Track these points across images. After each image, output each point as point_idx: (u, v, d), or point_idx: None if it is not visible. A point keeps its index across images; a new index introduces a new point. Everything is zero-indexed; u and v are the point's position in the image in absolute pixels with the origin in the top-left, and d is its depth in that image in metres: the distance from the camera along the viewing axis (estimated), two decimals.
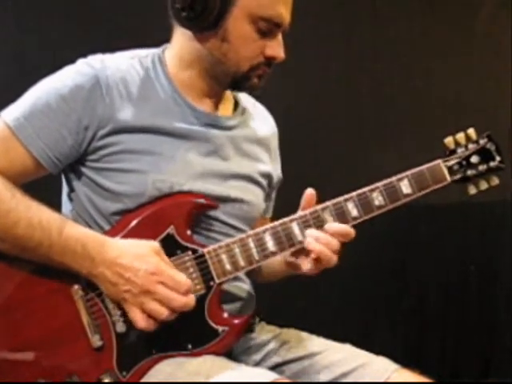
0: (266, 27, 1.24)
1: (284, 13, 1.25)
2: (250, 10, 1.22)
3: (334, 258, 1.22)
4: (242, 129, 1.38)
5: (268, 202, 1.49)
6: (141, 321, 1.16)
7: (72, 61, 1.27)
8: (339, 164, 2.40)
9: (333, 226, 1.23)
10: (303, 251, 1.24)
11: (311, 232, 1.23)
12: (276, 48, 1.27)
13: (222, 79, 1.30)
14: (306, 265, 1.23)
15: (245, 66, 1.27)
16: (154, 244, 1.18)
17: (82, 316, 1.19)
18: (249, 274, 1.36)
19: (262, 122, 1.45)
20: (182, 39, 1.30)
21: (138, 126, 1.24)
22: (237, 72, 1.27)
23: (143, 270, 1.14)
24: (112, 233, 1.22)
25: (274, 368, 1.33)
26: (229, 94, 1.40)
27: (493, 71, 2.47)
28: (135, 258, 1.15)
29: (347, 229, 1.23)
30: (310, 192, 1.26)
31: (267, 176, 1.42)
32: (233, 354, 1.32)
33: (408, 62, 2.46)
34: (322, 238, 1.21)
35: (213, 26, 1.23)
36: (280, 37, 1.28)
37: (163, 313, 1.15)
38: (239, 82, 1.30)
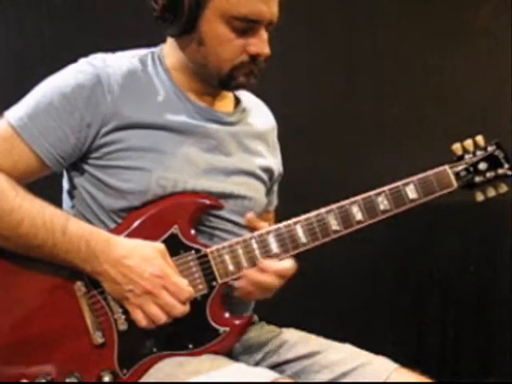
0: (243, 25, 1.22)
1: (262, 8, 1.22)
2: (221, 11, 1.21)
3: (266, 294, 1.25)
4: (243, 125, 1.38)
5: (270, 195, 1.49)
6: (143, 320, 1.16)
7: (72, 61, 1.27)
8: (340, 165, 2.40)
9: (270, 265, 1.23)
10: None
11: (248, 272, 1.23)
12: (259, 45, 1.24)
13: (210, 81, 1.30)
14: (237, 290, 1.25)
15: (226, 67, 1.26)
16: (160, 246, 1.19)
17: (85, 313, 1.19)
18: None
19: (261, 116, 1.46)
20: (169, 43, 1.32)
21: (140, 122, 1.24)
22: (220, 73, 1.26)
23: (149, 273, 1.15)
24: (116, 231, 1.22)
25: (274, 367, 1.33)
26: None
27: (493, 71, 2.47)
28: (142, 259, 1.16)
29: (284, 268, 1.23)
30: (250, 215, 1.28)
31: (268, 170, 1.43)
32: (233, 354, 1.32)
33: (408, 62, 2.46)
34: (256, 279, 1.23)
35: (187, 31, 1.23)
36: (263, 32, 1.25)
37: (161, 318, 1.16)
38: (225, 82, 1.29)
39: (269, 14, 1.24)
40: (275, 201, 1.54)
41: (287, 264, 1.25)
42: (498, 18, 2.48)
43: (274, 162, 1.46)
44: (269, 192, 1.47)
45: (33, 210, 1.16)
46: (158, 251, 1.18)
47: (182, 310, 1.16)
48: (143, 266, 1.15)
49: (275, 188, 1.52)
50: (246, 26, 1.22)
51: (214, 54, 1.25)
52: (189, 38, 1.25)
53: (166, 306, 1.15)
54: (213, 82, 1.29)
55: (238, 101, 1.42)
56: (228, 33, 1.23)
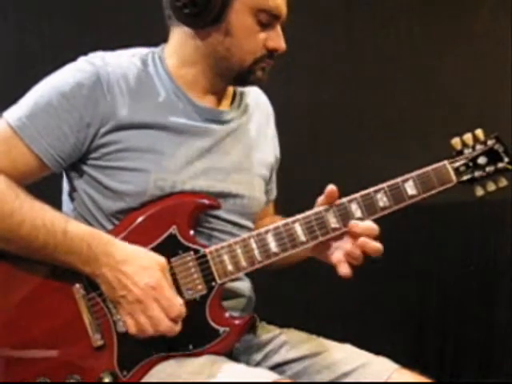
0: (266, 19, 1.25)
1: (281, 4, 1.27)
2: (251, 3, 1.23)
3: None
4: (240, 119, 1.38)
5: (269, 185, 1.48)
6: (132, 327, 1.16)
7: (72, 60, 1.27)
8: (340, 164, 2.40)
9: (358, 223, 1.23)
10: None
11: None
12: (277, 39, 1.28)
13: (227, 75, 1.30)
14: (343, 269, 1.25)
15: (249, 60, 1.27)
16: (161, 259, 1.18)
17: (83, 315, 1.19)
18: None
19: (257, 104, 1.45)
20: (182, 38, 1.30)
21: (139, 122, 1.24)
22: (241, 66, 1.27)
23: (144, 282, 1.14)
24: (114, 232, 1.22)
25: (275, 368, 1.33)
26: (229, 87, 1.40)
27: (493, 71, 2.47)
28: (140, 268, 1.15)
29: (370, 226, 1.23)
30: (332, 188, 1.25)
31: (268, 164, 1.43)
32: (233, 354, 1.31)
33: (408, 62, 2.46)
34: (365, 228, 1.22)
35: (215, 20, 1.23)
36: (279, 28, 1.29)
37: (148, 330, 1.15)
38: (244, 77, 1.30)
39: (285, 11, 1.28)
40: (275, 191, 1.54)
41: (371, 223, 1.24)
42: (497, 19, 2.48)
43: (274, 150, 1.47)
44: (268, 182, 1.47)
45: (33, 212, 1.16)
46: (157, 263, 1.17)
47: (168, 326, 1.14)
48: (140, 274, 1.15)
49: (274, 177, 1.52)
50: (269, 19, 1.26)
51: (239, 46, 1.26)
52: (214, 28, 1.25)
53: (154, 319, 1.14)
54: (229, 76, 1.30)
55: (234, 95, 1.41)
56: (254, 25, 1.25)
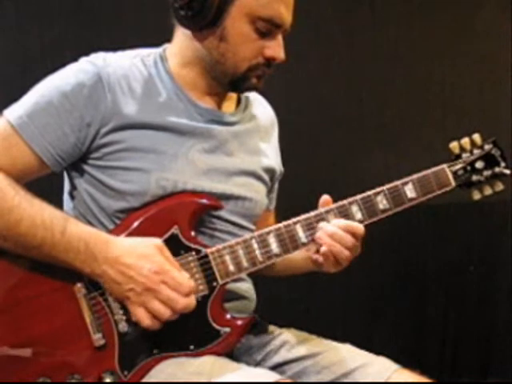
0: (265, 27, 1.24)
1: (284, 13, 1.25)
2: (248, 10, 1.22)
3: (347, 253, 1.22)
4: (245, 124, 1.38)
5: (271, 193, 1.49)
6: (145, 319, 1.15)
7: (72, 61, 1.27)
8: (340, 165, 2.40)
9: (341, 222, 1.23)
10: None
11: (324, 226, 1.23)
12: (275, 49, 1.26)
13: (221, 79, 1.30)
14: (319, 260, 1.24)
15: (243, 67, 1.26)
16: (158, 242, 1.18)
17: (85, 315, 1.18)
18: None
19: (262, 114, 1.45)
20: (182, 38, 1.30)
21: (140, 122, 1.23)
22: (235, 72, 1.27)
23: (147, 269, 1.14)
24: (116, 232, 1.22)
25: (275, 368, 1.33)
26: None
27: (493, 71, 2.47)
28: (139, 256, 1.15)
29: (355, 226, 1.23)
30: (325, 198, 1.26)
31: (270, 170, 1.42)
32: (234, 354, 1.31)
33: (408, 62, 2.46)
34: (335, 233, 1.21)
35: (211, 24, 1.23)
36: (280, 38, 1.27)
37: (165, 313, 1.14)
38: (238, 83, 1.29)
39: (288, 21, 1.27)
40: (274, 201, 1.54)
41: (357, 223, 1.24)
42: (497, 19, 2.49)
43: (276, 160, 1.46)
44: (270, 191, 1.47)
45: (32, 210, 1.16)
46: (155, 247, 1.17)
47: (185, 302, 1.15)
48: (141, 263, 1.15)
49: (276, 186, 1.52)
50: (268, 28, 1.24)
51: (234, 52, 1.25)
52: (210, 32, 1.24)
53: (169, 301, 1.14)
54: (224, 81, 1.29)
55: (239, 99, 1.41)
56: (250, 32, 1.24)
